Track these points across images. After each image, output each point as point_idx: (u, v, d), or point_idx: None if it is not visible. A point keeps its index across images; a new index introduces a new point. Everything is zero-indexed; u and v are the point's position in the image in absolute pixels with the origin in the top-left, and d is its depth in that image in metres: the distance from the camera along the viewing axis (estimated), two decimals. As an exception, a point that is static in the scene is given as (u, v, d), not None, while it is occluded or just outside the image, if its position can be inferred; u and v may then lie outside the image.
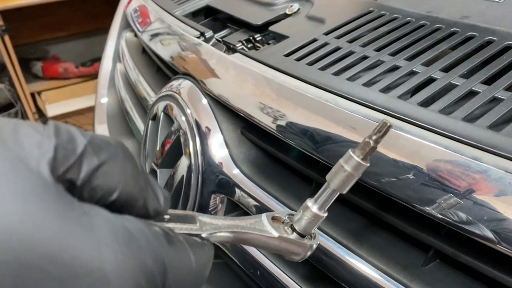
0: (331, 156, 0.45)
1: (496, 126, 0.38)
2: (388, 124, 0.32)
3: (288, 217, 0.36)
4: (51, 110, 2.76)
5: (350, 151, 0.33)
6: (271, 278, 0.51)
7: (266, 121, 0.52)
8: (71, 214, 0.21)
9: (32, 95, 2.82)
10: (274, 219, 0.35)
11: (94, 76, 2.91)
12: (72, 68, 2.91)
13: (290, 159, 0.53)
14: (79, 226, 0.21)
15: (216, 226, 0.31)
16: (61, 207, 0.21)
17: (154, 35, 0.84)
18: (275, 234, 0.34)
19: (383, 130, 0.32)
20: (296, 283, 0.49)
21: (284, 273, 0.50)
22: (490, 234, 0.34)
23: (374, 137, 0.32)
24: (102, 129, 1.01)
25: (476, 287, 0.39)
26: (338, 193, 0.35)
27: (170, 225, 0.29)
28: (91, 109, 2.87)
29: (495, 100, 0.40)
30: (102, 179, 0.23)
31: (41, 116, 2.87)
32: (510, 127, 0.37)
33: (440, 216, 0.36)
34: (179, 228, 0.29)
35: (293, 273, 0.50)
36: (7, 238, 0.19)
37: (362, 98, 0.45)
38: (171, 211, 0.29)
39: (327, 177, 0.35)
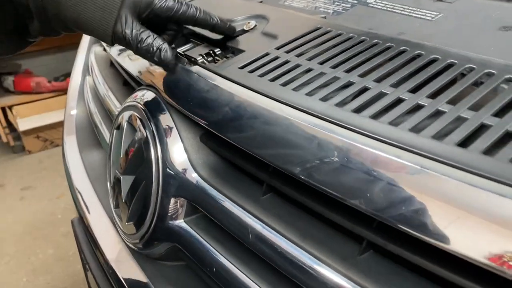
0: (279, 158, 0.49)
1: (417, 128, 0.43)
2: None
3: None
4: (22, 124, 2.74)
5: None
6: (226, 275, 0.55)
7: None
8: None
9: (3, 109, 2.79)
10: None
11: (67, 90, 2.91)
12: (45, 83, 2.90)
13: (243, 162, 0.57)
14: None
15: None
16: None
17: (122, 50, 0.88)
18: None
19: None
20: (249, 278, 0.53)
21: (238, 268, 0.54)
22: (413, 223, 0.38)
23: None
24: (71, 140, 1.03)
25: (405, 274, 0.44)
26: None
27: None
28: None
29: (418, 107, 0.46)
30: None
31: (12, 130, 2.85)
32: (430, 128, 0.42)
33: (369, 210, 0.41)
34: None
35: (246, 268, 0.54)
36: None
37: (304, 106, 0.49)
38: None
39: None
